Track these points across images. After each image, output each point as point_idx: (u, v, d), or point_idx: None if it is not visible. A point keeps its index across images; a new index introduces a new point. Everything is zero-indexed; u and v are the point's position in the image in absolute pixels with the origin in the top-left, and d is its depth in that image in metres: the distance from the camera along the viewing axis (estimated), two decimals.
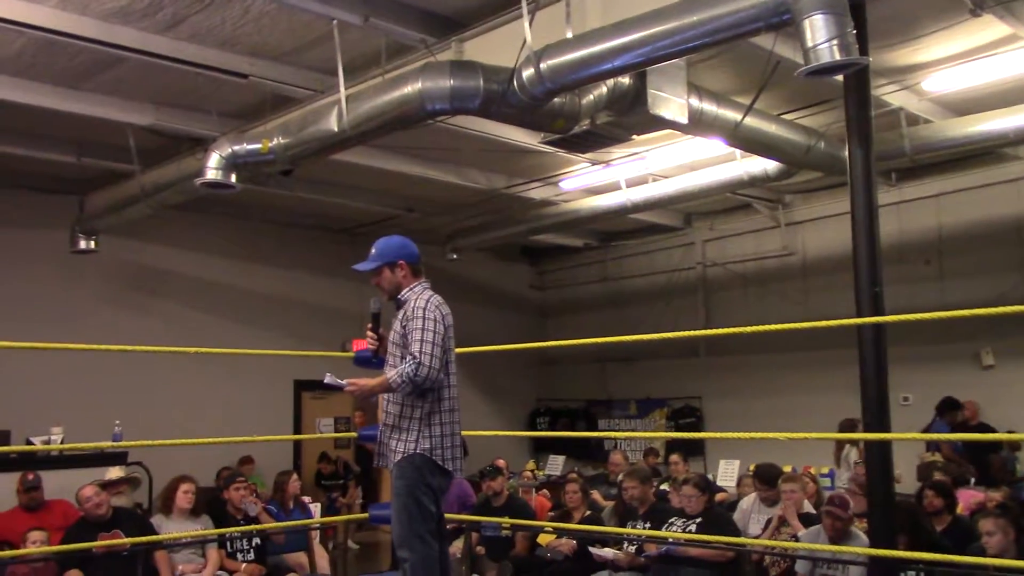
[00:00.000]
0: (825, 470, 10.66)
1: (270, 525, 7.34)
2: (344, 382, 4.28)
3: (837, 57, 4.56)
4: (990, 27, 7.14)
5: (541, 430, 14.70)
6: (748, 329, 4.64)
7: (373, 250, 4.49)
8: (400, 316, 4.33)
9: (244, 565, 6.99)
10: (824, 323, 4.47)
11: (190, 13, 6.74)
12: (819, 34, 4.59)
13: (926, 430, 9.99)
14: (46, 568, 6.46)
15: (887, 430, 4.61)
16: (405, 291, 4.36)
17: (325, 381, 4.29)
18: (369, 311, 4.57)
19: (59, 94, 7.99)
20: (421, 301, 4.26)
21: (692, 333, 6.21)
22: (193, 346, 8.66)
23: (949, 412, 9.90)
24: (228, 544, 7.08)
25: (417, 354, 4.09)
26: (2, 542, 6.72)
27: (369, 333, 4.54)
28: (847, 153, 5.11)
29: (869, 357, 4.65)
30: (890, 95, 8.37)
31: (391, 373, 4.17)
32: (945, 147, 8.86)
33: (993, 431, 9.69)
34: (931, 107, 8.90)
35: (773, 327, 4.81)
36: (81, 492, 6.59)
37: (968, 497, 7.88)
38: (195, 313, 11.53)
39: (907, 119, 8.76)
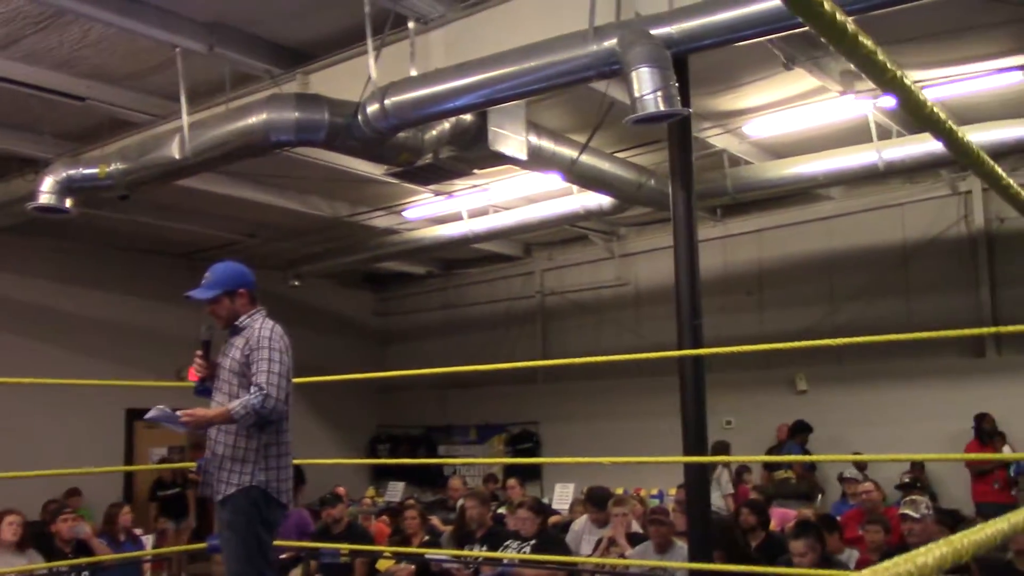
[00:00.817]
0: (655, 491, 11.17)
1: (104, 557, 7.17)
2: (178, 413, 4.04)
3: (661, 108, 4.93)
4: (802, 79, 7.77)
5: (381, 456, 14.73)
6: (579, 360, 4.93)
7: (209, 275, 4.32)
8: (240, 344, 4.16)
9: None
10: (647, 355, 4.81)
11: (25, 34, 6.62)
12: (645, 85, 4.95)
13: (774, 451, 10.58)
14: None
15: (705, 453, 4.97)
16: (244, 318, 4.21)
17: (149, 416, 4.07)
18: (200, 338, 4.34)
19: None
20: (265, 331, 4.11)
21: (527, 364, 6.50)
22: (19, 374, 8.42)
23: (799, 434, 10.46)
24: None
25: (264, 385, 3.95)
26: None
27: (199, 360, 4.31)
28: (670, 194, 5.50)
29: (689, 385, 5.02)
30: (714, 137, 8.94)
31: (234, 404, 4.00)
32: (763, 187, 9.51)
33: (807, 452, 10.43)
34: (751, 149, 9.54)
35: (602, 359, 5.11)
36: None
37: (781, 515, 8.45)
38: (21, 339, 11.07)
39: (729, 160, 9.37)
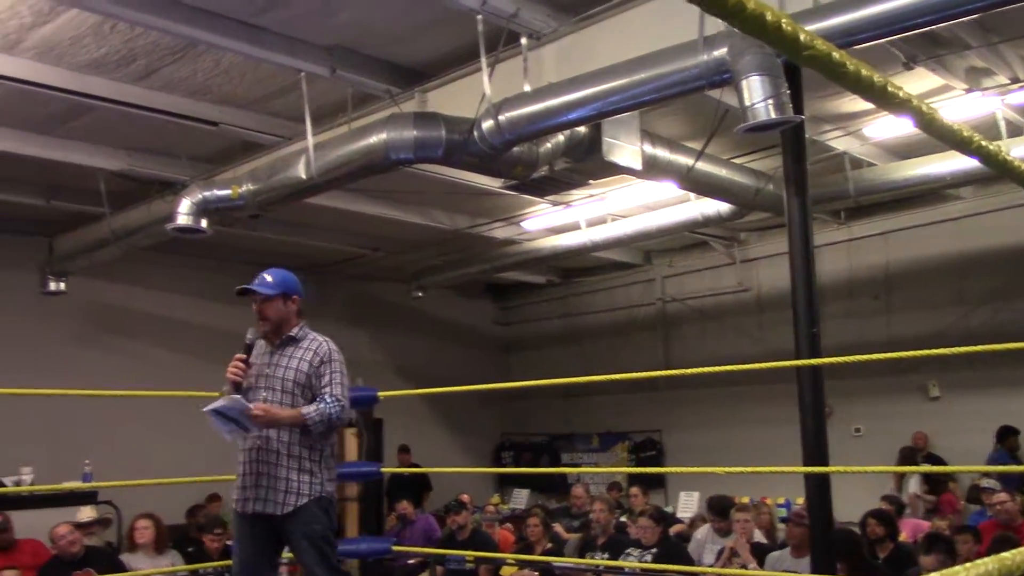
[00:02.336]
0: (781, 500, 10.97)
1: None
2: (250, 405, 4.03)
3: (772, 116, 4.90)
4: (924, 79, 7.55)
5: (505, 464, 14.90)
6: (699, 371, 4.94)
7: (268, 277, 4.35)
8: (299, 355, 4.23)
9: None
10: (764, 365, 4.79)
11: (163, 64, 6.99)
12: (755, 94, 4.94)
13: (909, 459, 10.27)
14: None
15: (825, 463, 4.91)
16: (295, 329, 4.29)
17: (214, 407, 3.99)
18: (245, 340, 4.36)
19: (31, 140, 8.18)
20: (333, 344, 4.30)
21: (649, 374, 6.53)
22: (161, 384, 8.87)
23: (1009, 438, 9.89)
24: None
25: (340, 396, 4.13)
26: None
27: (239, 364, 4.25)
28: (784, 201, 5.46)
29: (807, 394, 4.96)
30: (835, 140, 8.77)
31: (307, 409, 4.07)
32: (887, 189, 9.27)
33: (943, 461, 10.09)
34: (873, 151, 9.32)
35: (721, 368, 5.09)
36: (55, 531, 6.74)
37: (914, 526, 8.22)
38: (163, 352, 11.67)
39: (851, 162, 9.17)
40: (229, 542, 7.56)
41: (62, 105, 7.54)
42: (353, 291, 13.76)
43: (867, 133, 8.77)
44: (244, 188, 7.68)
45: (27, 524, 7.56)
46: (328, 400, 4.08)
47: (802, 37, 0.83)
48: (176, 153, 8.59)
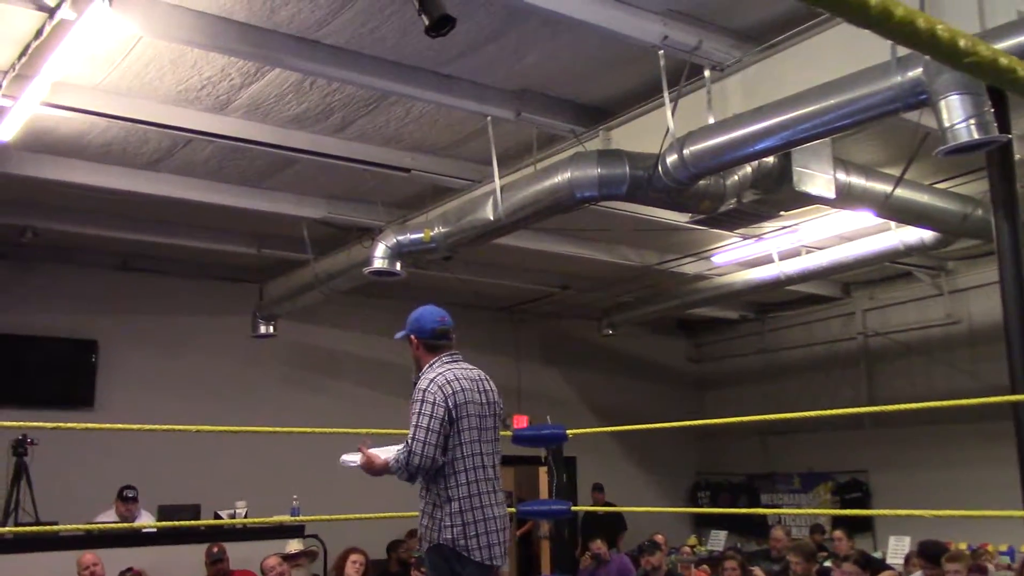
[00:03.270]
0: (1004, 548, 10.20)
1: None
2: (356, 456, 4.12)
3: (975, 136, 4.63)
4: None
5: (702, 504, 14.56)
6: (906, 407, 4.68)
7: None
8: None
9: None
10: (977, 400, 4.48)
11: (358, 116, 7.34)
12: (955, 114, 4.67)
13: None
14: None
15: None
16: (424, 368, 4.15)
17: (342, 460, 4.19)
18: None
19: (241, 193, 8.76)
20: (424, 382, 4.04)
21: (854, 410, 6.25)
22: (363, 421, 9.20)
23: None
24: None
25: (410, 441, 3.90)
26: None
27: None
28: (993, 226, 5.12)
29: None
30: None
31: (391, 455, 4.00)
32: None
33: None
34: None
35: (928, 404, 4.80)
36: (265, 562, 7.09)
37: None
38: (365, 391, 12.11)
39: None
40: None
41: (268, 159, 8.05)
42: (545, 329, 13.90)
43: None
44: (436, 231, 7.92)
45: (241, 556, 7.97)
46: (406, 444, 3.91)
47: (962, 43, 0.76)
48: (372, 199, 8.97)
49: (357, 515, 7.50)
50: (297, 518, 8.15)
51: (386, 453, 4.09)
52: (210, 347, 11.27)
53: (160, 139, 7.59)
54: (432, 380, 4.02)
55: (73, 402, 10.15)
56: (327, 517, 7.81)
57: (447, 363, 4.13)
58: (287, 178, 8.59)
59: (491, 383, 4.25)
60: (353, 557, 7.56)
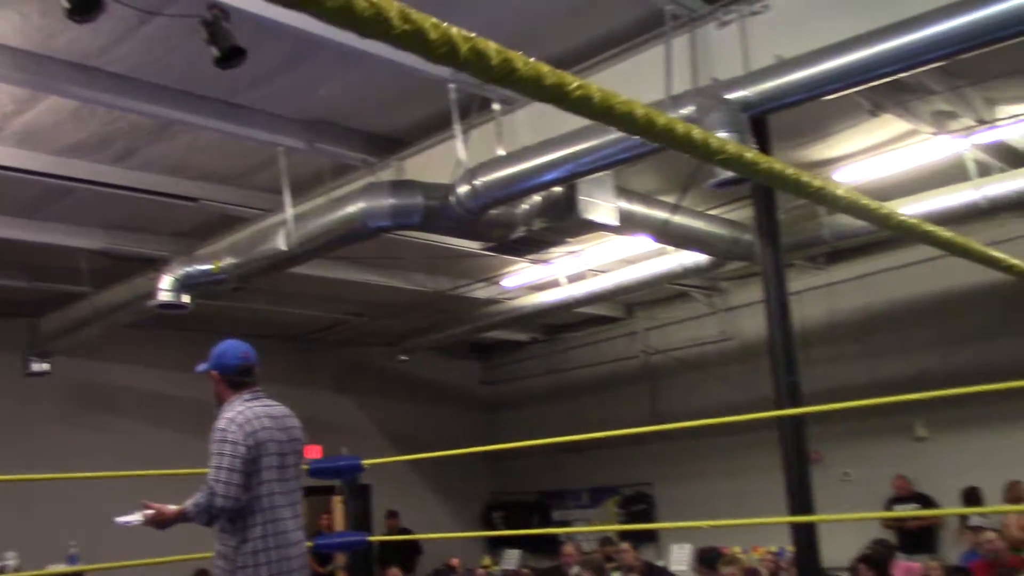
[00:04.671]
0: (775, 549, 10.94)
1: None
2: (138, 516, 3.91)
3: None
4: (890, 125, 7.74)
5: (496, 524, 14.78)
6: (677, 425, 4.98)
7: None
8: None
9: None
10: (742, 417, 4.85)
11: (141, 145, 7.10)
12: None
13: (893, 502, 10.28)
14: None
15: (811, 510, 4.94)
16: (225, 405, 4.02)
17: (117, 522, 3.97)
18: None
19: (12, 224, 8.25)
20: (223, 421, 3.91)
21: (638, 430, 6.57)
22: (148, 460, 8.83)
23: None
24: None
25: (212, 482, 3.76)
26: None
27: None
28: (757, 253, 5.55)
29: (790, 444, 5.01)
30: None
31: (189, 502, 3.85)
32: (863, 234, 9.39)
33: (932, 501, 10.12)
34: None
35: (703, 422, 5.14)
36: None
37: (906, 568, 8.22)
38: (151, 428, 11.61)
39: (825, 209, 9.30)
40: None
41: (43, 188, 7.63)
42: (340, 358, 13.78)
43: (838, 179, 8.91)
44: (225, 262, 7.75)
45: None
46: (208, 486, 3.77)
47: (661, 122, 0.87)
48: (157, 230, 8.67)
49: (141, 561, 7.17)
50: (74, 567, 7.73)
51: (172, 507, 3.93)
52: None
53: None
54: (231, 419, 3.91)
55: None
56: (107, 565, 7.44)
57: (248, 400, 4.03)
58: (63, 208, 8.17)
59: (294, 420, 4.19)
60: None
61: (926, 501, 10.21)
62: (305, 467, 4.62)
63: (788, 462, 4.94)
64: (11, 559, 8.09)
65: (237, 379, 4.08)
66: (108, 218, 8.47)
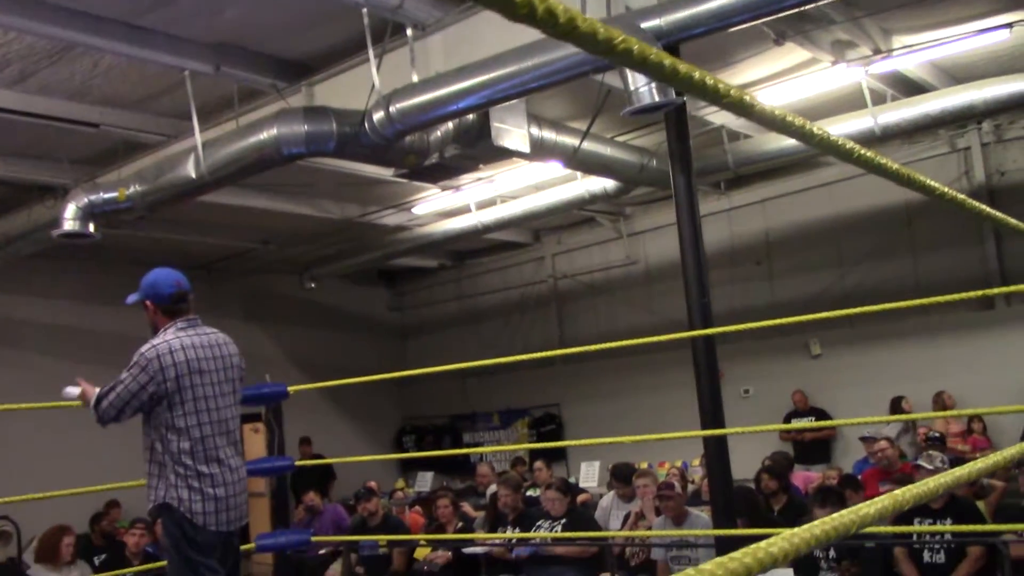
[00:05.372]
0: (679, 463, 11.39)
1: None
2: (76, 390, 4.10)
3: (655, 99, 5.13)
4: (793, 52, 7.94)
5: (407, 448, 14.98)
6: (593, 347, 5.15)
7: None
8: None
9: None
10: (660, 338, 5.03)
11: (39, 68, 6.84)
12: (639, 79, 5.16)
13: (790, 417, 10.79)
14: None
15: (722, 424, 5.20)
16: (158, 332, 4.02)
17: (63, 393, 4.15)
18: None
19: None
20: (146, 346, 3.94)
21: (546, 354, 6.78)
22: (51, 393, 8.63)
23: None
24: None
25: (107, 391, 3.90)
26: None
27: None
28: (671, 177, 5.70)
29: (701, 362, 5.24)
30: (712, 115, 9.10)
31: (97, 393, 3.97)
32: (764, 159, 9.69)
33: (827, 414, 10.66)
34: (749, 124, 9.69)
35: (616, 344, 5.29)
36: None
37: (804, 478, 8.68)
38: (50, 360, 11.31)
39: (728, 135, 9.55)
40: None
41: None
42: (247, 287, 13.61)
43: None
44: (132, 190, 7.57)
45: None
46: (104, 389, 3.91)
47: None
48: (56, 157, 8.39)
49: (52, 493, 7.10)
50: None
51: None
52: None
53: None
54: (154, 346, 3.92)
55: None
56: (19, 498, 7.35)
57: (183, 328, 4.02)
58: None
59: (232, 347, 4.18)
60: (67, 539, 7.20)
61: (821, 414, 10.74)
62: None
63: (700, 380, 5.17)
64: None
65: (171, 307, 4.06)
66: (5, 145, 8.13)
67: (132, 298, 4.13)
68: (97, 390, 3.99)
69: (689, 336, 5.19)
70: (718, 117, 9.22)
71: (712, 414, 5.13)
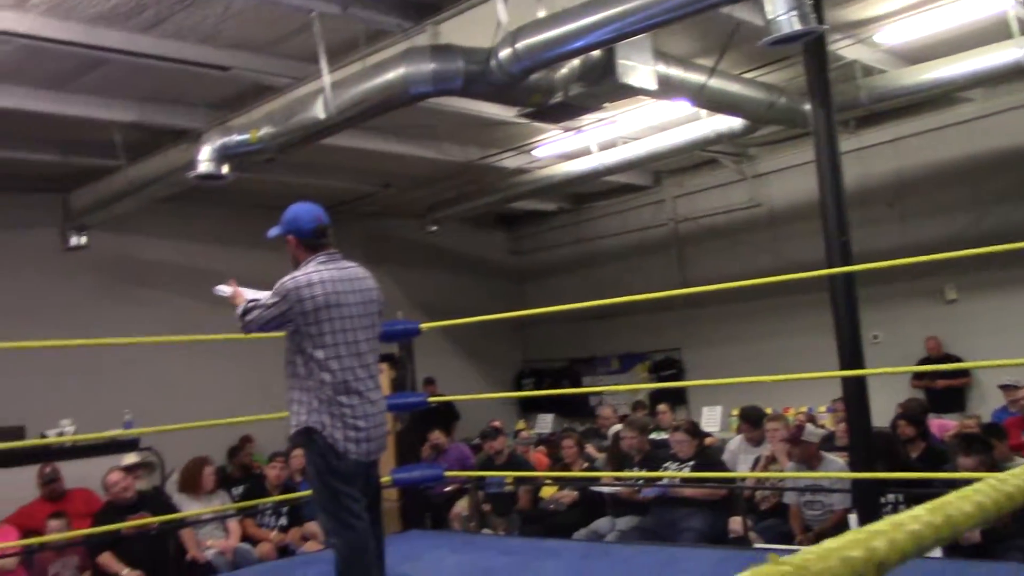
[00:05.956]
0: (804, 409, 11.16)
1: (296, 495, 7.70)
2: (229, 289, 4.31)
3: (796, 27, 4.92)
4: None
5: (527, 391, 15.08)
6: (724, 286, 5.04)
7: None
8: None
9: (273, 533, 7.45)
10: (797, 275, 4.88)
11: (172, 12, 6.96)
12: (778, 6, 4.95)
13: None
14: (73, 554, 6.79)
15: (861, 367, 5.03)
16: (300, 266, 4.12)
17: (215, 290, 4.36)
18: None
19: (43, 96, 8.16)
20: (287, 277, 4.05)
21: (667, 293, 6.68)
22: (184, 331, 8.99)
23: None
24: (259, 516, 7.54)
25: (255, 306, 4.08)
26: (30, 532, 7.01)
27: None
28: (810, 113, 5.48)
29: (841, 303, 5.06)
30: (845, 49, 8.74)
31: (248, 299, 4.17)
32: (899, 95, 9.25)
33: (962, 361, 10.25)
34: (884, 58, 9.29)
35: (748, 282, 5.17)
36: (108, 477, 6.90)
37: (939, 426, 8.39)
38: (185, 300, 11.73)
39: (862, 71, 9.15)
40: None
41: (73, 60, 7.52)
42: (368, 230, 13.80)
43: (878, 40, 8.74)
44: (262, 132, 7.71)
45: (74, 474, 7.74)
46: (254, 303, 4.12)
47: None
48: (189, 101, 8.59)
49: (192, 424, 7.39)
50: (131, 431, 7.97)
51: (250, 294, 4.25)
52: (14, 262, 10.58)
53: None
54: (295, 278, 4.02)
55: None
56: (163, 428, 7.65)
57: (323, 262, 4.08)
58: (95, 80, 8.06)
59: (371, 281, 4.24)
60: (208, 469, 7.53)
61: (955, 362, 10.34)
62: None
63: (839, 320, 5.00)
64: (67, 426, 8.33)
65: (313, 241, 4.13)
66: (141, 90, 8.37)
67: (273, 231, 4.20)
68: (248, 296, 4.20)
69: (828, 274, 5.01)
70: (851, 51, 8.85)
71: (851, 356, 4.96)
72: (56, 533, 6.61)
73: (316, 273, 4.03)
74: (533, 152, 11.35)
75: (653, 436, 8.91)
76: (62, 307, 10.65)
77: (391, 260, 14.07)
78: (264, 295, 4.16)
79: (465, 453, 9.60)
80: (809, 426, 6.55)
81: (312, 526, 8.01)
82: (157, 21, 7.10)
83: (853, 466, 5.13)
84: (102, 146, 9.25)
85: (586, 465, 8.05)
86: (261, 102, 8.36)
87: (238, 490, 8.06)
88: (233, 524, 7.36)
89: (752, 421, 7.43)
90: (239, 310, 4.16)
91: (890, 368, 8.16)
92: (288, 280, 4.02)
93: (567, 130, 10.53)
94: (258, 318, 4.08)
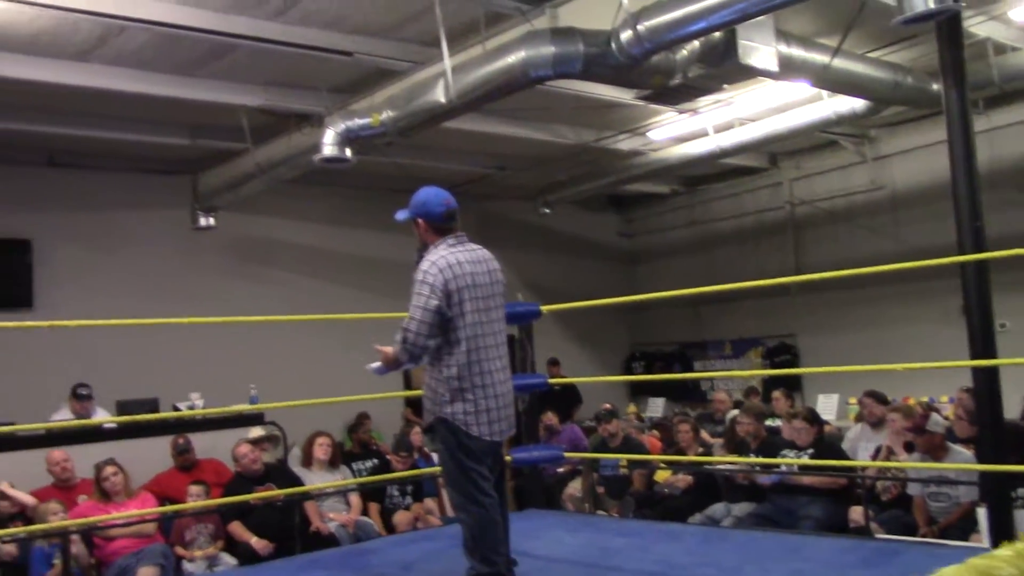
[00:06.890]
0: (925, 399, 10.85)
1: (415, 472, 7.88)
2: (379, 362, 4.22)
3: (931, 6, 4.77)
4: None
5: (636, 374, 15.01)
6: (845, 272, 4.94)
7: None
8: None
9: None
10: (926, 262, 4.75)
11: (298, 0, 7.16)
12: None
13: None
14: (208, 521, 7.10)
15: (993, 357, 4.88)
16: (430, 250, 4.13)
17: (370, 368, 4.26)
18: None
19: (175, 82, 8.48)
20: (425, 263, 4.04)
21: (783, 280, 6.58)
22: (308, 311, 9.22)
23: None
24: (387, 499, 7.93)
25: (406, 322, 3.97)
26: (166, 499, 7.36)
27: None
28: (941, 93, 5.31)
29: (972, 290, 4.90)
30: (976, 26, 8.42)
31: (397, 339, 4.05)
32: None
33: None
34: (1019, 35, 8.91)
35: (873, 269, 5.04)
36: (237, 449, 7.19)
37: None
38: (309, 280, 12.11)
39: (995, 48, 8.80)
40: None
41: (204, 47, 7.81)
42: (482, 212, 13.91)
43: (1012, 16, 8.39)
44: (384, 116, 7.86)
45: (203, 446, 8.09)
46: (402, 326, 3.98)
47: None
48: (313, 85, 8.81)
49: (315, 400, 7.60)
50: (257, 406, 8.26)
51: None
52: (147, 241, 11.06)
53: (92, 28, 7.29)
54: (434, 262, 4.03)
55: (11, 303, 9.91)
56: (287, 403, 7.91)
57: (452, 245, 4.14)
58: (223, 66, 8.35)
59: (495, 263, 4.27)
60: (320, 440, 7.75)
61: None
62: None
63: (971, 308, 4.85)
64: (197, 399, 8.69)
65: (442, 225, 4.17)
66: (267, 75, 8.63)
67: (402, 215, 4.25)
68: (395, 344, 4.08)
69: (961, 260, 4.86)
70: (983, 28, 8.52)
71: (984, 344, 4.81)
72: (197, 499, 6.91)
73: (451, 255, 4.08)
74: (648, 134, 11.27)
75: (768, 423, 8.82)
76: (192, 285, 11.10)
77: (504, 242, 14.13)
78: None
79: (578, 435, 9.65)
80: (935, 416, 6.37)
81: (431, 503, 8.21)
82: (284, 8, 7.30)
83: (982, 458, 4.98)
84: (230, 130, 9.59)
85: (701, 450, 8.00)
86: (383, 86, 8.52)
87: (359, 465, 8.28)
88: (355, 498, 7.57)
89: (878, 398, 7.27)
90: (397, 345, 4.04)
91: (1020, 359, 7.83)
92: (427, 266, 4.03)
93: (683, 112, 10.42)
94: (416, 329, 3.95)
